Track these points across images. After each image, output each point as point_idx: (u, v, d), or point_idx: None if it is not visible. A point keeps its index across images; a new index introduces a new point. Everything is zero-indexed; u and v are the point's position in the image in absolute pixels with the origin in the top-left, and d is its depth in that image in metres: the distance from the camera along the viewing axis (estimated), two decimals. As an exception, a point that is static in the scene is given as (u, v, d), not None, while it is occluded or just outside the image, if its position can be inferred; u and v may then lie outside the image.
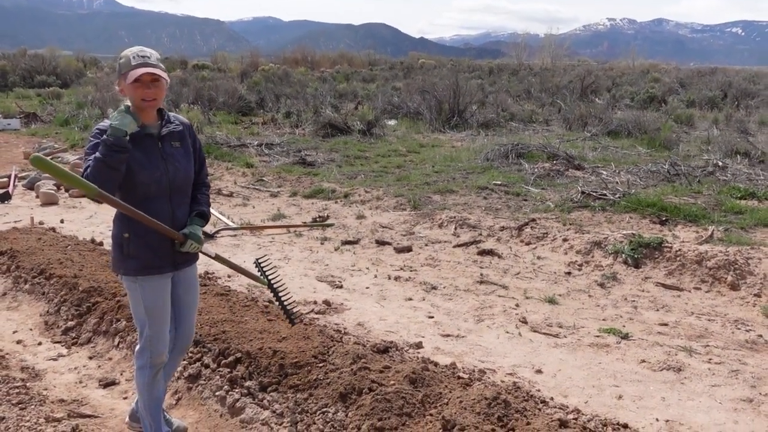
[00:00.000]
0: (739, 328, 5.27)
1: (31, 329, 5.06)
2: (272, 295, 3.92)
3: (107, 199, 2.84)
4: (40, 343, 4.81)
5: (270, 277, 3.83)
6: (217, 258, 3.47)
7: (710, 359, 4.68)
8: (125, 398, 4.08)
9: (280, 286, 3.92)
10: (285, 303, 3.95)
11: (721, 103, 22.45)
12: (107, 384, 4.22)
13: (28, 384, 4.11)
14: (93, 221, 8.48)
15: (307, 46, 58.30)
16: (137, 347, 3.26)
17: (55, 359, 4.56)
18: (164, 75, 2.97)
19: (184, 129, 3.20)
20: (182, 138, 3.17)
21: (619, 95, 24.29)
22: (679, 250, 6.52)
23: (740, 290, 5.97)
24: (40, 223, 8.06)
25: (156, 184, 3.02)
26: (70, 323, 4.96)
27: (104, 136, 2.83)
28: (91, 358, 4.58)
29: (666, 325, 5.31)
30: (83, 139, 14.91)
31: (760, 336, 5.11)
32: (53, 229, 7.57)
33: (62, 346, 4.76)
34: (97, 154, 2.81)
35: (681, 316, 5.53)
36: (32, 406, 3.78)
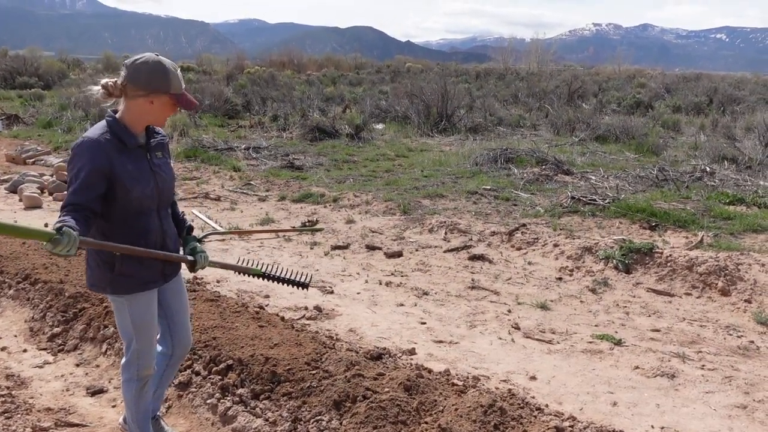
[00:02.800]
0: (730, 334, 5.28)
1: (15, 336, 4.95)
2: (272, 281, 3.69)
3: (91, 245, 2.66)
4: (25, 350, 4.71)
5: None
6: (224, 265, 3.42)
7: (703, 365, 4.67)
8: (114, 406, 3.99)
9: (274, 268, 3.71)
10: (289, 277, 3.73)
11: (707, 109, 22.65)
12: (95, 392, 4.13)
13: (13, 392, 4.02)
14: (78, 225, 8.35)
15: (293, 48, 58.17)
16: (123, 360, 3.15)
17: (41, 366, 4.46)
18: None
19: (166, 140, 3.11)
20: (164, 148, 3.06)
21: (605, 100, 24.42)
22: (670, 255, 6.53)
23: (731, 296, 5.98)
24: (25, 226, 7.92)
25: (149, 198, 2.89)
26: (56, 330, 4.86)
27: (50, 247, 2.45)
28: (78, 365, 4.49)
29: (658, 331, 5.31)
30: (67, 142, 14.72)
31: (752, 342, 5.12)
32: (38, 233, 7.44)
33: (48, 353, 4.66)
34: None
35: (673, 321, 5.53)
36: (18, 415, 3.69)
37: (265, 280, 3.61)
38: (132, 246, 2.82)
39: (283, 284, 3.66)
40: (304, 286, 3.70)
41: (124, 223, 2.85)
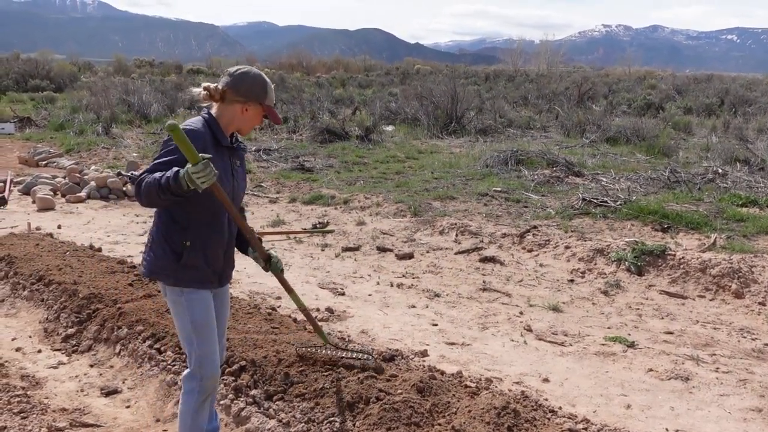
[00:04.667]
0: (744, 337, 5.25)
1: (30, 336, 4.99)
2: (337, 352, 3.90)
3: (219, 193, 2.81)
4: (39, 351, 4.74)
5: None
6: (292, 293, 3.56)
7: (717, 368, 4.65)
8: (128, 407, 4.02)
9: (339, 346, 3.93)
10: (352, 354, 3.91)
11: (718, 110, 22.52)
12: (109, 392, 4.15)
13: (28, 392, 4.04)
14: (90, 227, 8.41)
15: (302, 51, 58.35)
16: (185, 372, 3.11)
17: (55, 367, 4.49)
18: None
19: (246, 150, 3.21)
20: (242, 158, 3.17)
21: (616, 102, 24.35)
22: (683, 257, 6.50)
23: (744, 298, 5.95)
24: (37, 228, 7.98)
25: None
26: (70, 330, 4.89)
27: (170, 179, 2.64)
28: (92, 366, 4.51)
29: (671, 333, 5.28)
30: (79, 144, 14.85)
31: (767, 345, 5.09)
32: (51, 235, 7.49)
33: (62, 353, 4.69)
34: (160, 179, 2.67)
35: (686, 324, 5.50)
36: (34, 416, 3.72)
37: (330, 349, 3.92)
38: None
39: (344, 360, 3.90)
40: (368, 362, 3.88)
41: (201, 217, 2.93)
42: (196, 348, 3.02)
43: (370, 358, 3.88)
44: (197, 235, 2.94)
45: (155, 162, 2.82)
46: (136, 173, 10.22)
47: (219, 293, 3.21)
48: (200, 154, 2.63)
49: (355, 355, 3.91)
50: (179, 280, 2.96)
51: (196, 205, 2.89)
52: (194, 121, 2.95)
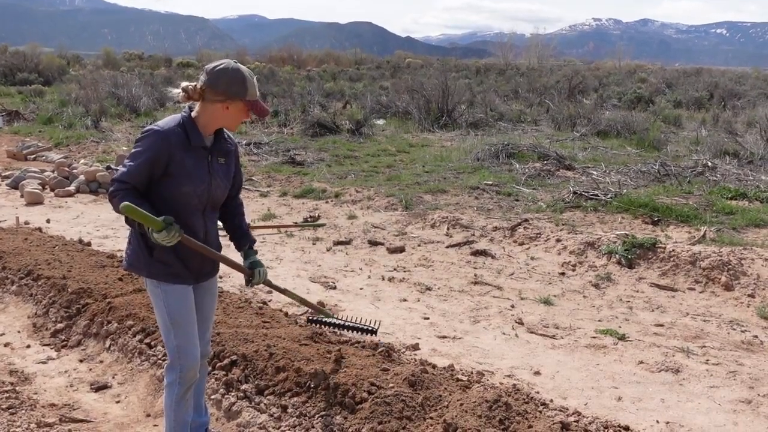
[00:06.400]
0: (734, 329, 5.28)
1: (19, 332, 4.95)
2: (341, 328, 3.98)
3: (190, 243, 2.85)
4: (28, 346, 4.70)
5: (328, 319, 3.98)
6: (285, 291, 3.52)
7: (707, 360, 4.67)
8: (117, 402, 4.00)
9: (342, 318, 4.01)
10: (357, 325, 3.96)
11: (707, 104, 22.63)
12: (99, 388, 4.13)
13: (17, 388, 4.02)
14: (80, 221, 8.35)
15: (293, 44, 58.22)
16: (166, 363, 3.12)
17: (44, 362, 4.46)
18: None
19: (233, 148, 3.14)
20: (228, 155, 3.09)
21: (606, 95, 24.41)
22: (673, 250, 6.53)
23: (734, 291, 5.98)
24: (26, 222, 7.92)
25: (198, 197, 2.93)
26: (60, 325, 4.85)
27: (149, 231, 2.72)
28: (81, 361, 4.48)
29: (662, 326, 5.30)
30: (67, 138, 14.74)
31: (756, 336, 5.12)
32: (39, 229, 7.44)
33: (51, 348, 4.66)
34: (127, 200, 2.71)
35: (676, 316, 5.53)
36: (23, 411, 3.70)
37: (333, 327, 4.01)
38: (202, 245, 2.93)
39: (349, 331, 4.00)
40: (372, 332, 3.95)
41: (168, 214, 2.86)
42: (173, 339, 3.03)
43: (373, 328, 3.96)
44: None
45: (128, 165, 2.81)
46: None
47: (204, 285, 3.18)
48: (162, 218, 2.69)
49: (360, 326, 3.98)
50: (152, 274, 2.96)
51: (162, 202, 2.87)
52: (167, 121, 2.91)
